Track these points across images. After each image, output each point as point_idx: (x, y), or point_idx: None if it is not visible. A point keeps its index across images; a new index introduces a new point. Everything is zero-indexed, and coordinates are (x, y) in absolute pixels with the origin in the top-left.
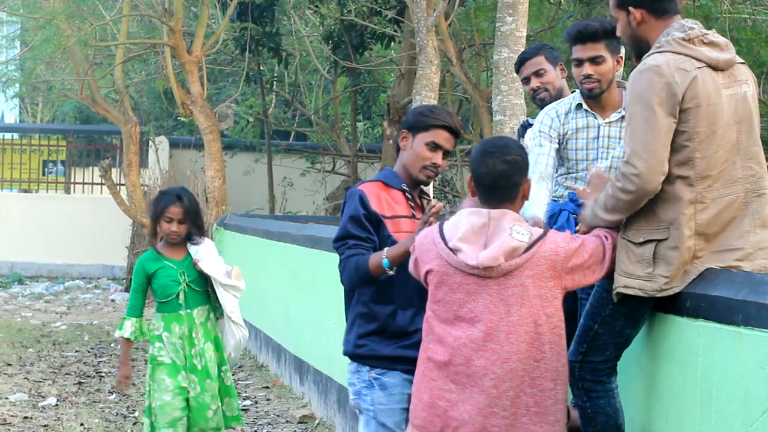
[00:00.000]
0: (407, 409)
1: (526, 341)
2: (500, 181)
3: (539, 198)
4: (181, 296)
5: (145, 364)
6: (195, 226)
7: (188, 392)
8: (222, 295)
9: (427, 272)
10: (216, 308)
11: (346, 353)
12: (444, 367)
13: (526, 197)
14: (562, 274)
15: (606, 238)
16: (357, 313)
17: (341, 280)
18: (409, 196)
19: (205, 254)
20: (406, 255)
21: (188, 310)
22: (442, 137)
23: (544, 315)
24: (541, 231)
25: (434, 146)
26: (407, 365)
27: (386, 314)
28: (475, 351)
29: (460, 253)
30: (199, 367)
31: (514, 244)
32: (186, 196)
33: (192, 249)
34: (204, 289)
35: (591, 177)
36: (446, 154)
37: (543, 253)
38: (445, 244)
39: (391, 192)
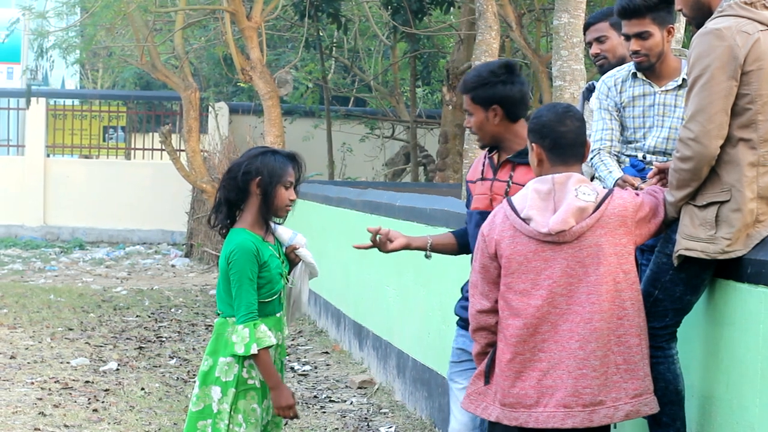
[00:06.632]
0: None
1: (608, 300)
2: (580, 138)
3: (613, 170)
4: (283, 293)
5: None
6: None
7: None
8: (305, 286)
9: (497, 246)
10: None
11: None
12: (530, 338)
13: (586, 156)
14: (632, 229)
15: (657, 191)
16: None
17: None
18: (487, 160)
19: (298, 237)
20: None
21: (282, 312)
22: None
23: (622, 272)
24: (605, 190)
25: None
26: None
27: None
28: (560, 316)
29: (531, 222)
30: None
31: (581, 205)
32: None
33: (278, 230)
34: None
35: (654, 173)
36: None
37: (613, 210)
38: (517, 215)
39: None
